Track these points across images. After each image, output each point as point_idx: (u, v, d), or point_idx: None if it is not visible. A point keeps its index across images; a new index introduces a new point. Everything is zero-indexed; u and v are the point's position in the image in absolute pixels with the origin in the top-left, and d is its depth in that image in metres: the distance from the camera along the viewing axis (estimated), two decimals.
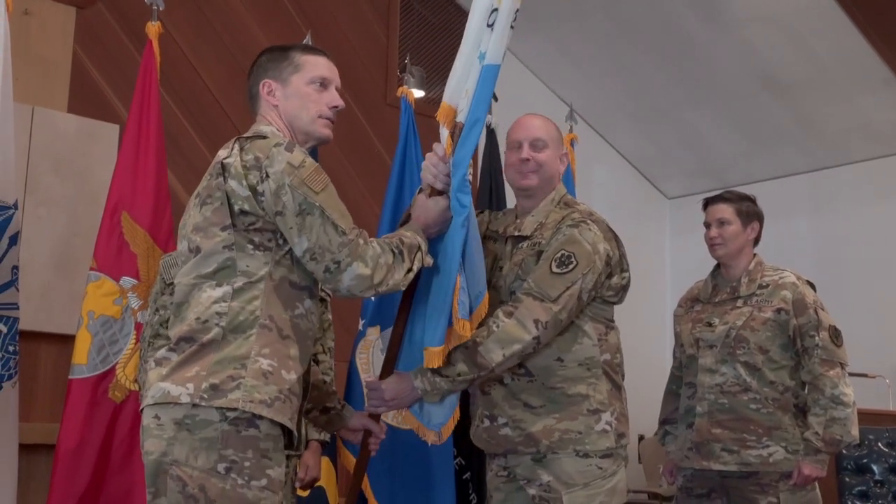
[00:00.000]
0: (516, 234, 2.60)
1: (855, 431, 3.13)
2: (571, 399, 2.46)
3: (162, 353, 2.08)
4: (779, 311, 3.17)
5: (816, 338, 3.15)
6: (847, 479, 4.04)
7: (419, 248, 2.24)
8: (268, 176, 2.05)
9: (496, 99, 4.15)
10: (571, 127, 4.41)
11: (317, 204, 2.05)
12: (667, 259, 8.05)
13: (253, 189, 2.05)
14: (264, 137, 2.13)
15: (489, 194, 4.09)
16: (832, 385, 3.11)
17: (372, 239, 2.16)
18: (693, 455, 3.23)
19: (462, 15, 3.86)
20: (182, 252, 2.17)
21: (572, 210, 2.57)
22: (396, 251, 2.17)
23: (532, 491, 2.47)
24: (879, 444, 4.07)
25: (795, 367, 3.20)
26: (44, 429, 3.90)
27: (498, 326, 2.38)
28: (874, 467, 4.03)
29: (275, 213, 2.06)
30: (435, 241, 2.38)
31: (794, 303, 3.18)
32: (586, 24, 6.63)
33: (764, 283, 3.24)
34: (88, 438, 3.20)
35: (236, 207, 2.07)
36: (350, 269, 2.07)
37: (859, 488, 4.03)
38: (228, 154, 2.11)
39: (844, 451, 4.02)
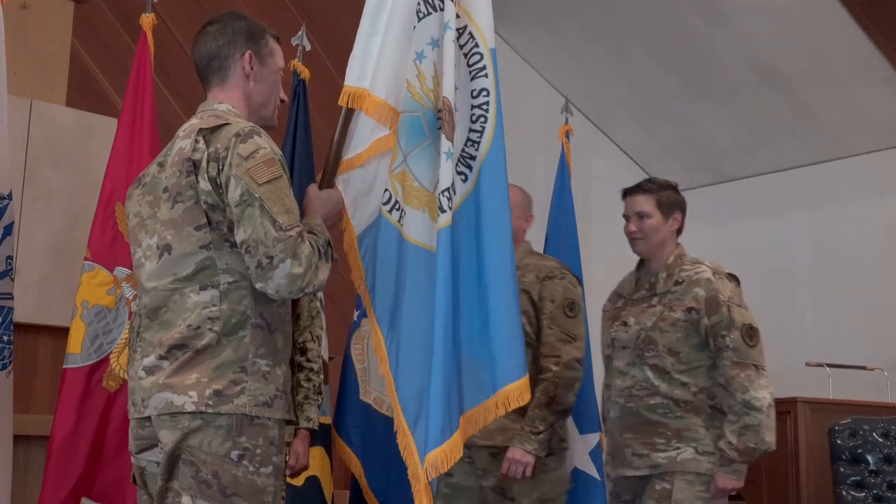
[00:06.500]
0: None
1: (769, 438, 2.94)
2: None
3: (151, 360, 2.06)
4: (689, 310, 3.00)
5: (727, 338, 2.96)
6: (842, 469, 4.04)
7: (329, 242, 2.16)
8: (222, 168, 2.04)
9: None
10: (567, 119, 4.41)
11: (257, 195, 2.00)
12: None
13: (213, 181, 2.04)
14: (227, 124, 2.11)
15: None
16: (743, 389, 2.92)
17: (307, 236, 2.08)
18: (610, 461, 3.12)
19: None
20: (149, 245, 2.12)
21: (546, 258, 3.37)
22: (323, 249, 2.09)
23: (487, 483, 2.95)
24: (874, 435, 4.07)
25: (713, 366, 3.03)
26: (42, 420, 3.90)
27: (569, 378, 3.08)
28: (868, 457, 4.03)
29: (227, 205, 2.04)
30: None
31: (707, 301, 3.00)
32: (583, 15, 6.62)
33: (680, 280, 3.07)
34: (82, 428, 3.20)
35: (205, 204, 2.05)
36: (282, 266, 1.98)
37: (854, 478, 4.03)
38: (193, 149, 2.08)
39: (839, 441, 4.04)
